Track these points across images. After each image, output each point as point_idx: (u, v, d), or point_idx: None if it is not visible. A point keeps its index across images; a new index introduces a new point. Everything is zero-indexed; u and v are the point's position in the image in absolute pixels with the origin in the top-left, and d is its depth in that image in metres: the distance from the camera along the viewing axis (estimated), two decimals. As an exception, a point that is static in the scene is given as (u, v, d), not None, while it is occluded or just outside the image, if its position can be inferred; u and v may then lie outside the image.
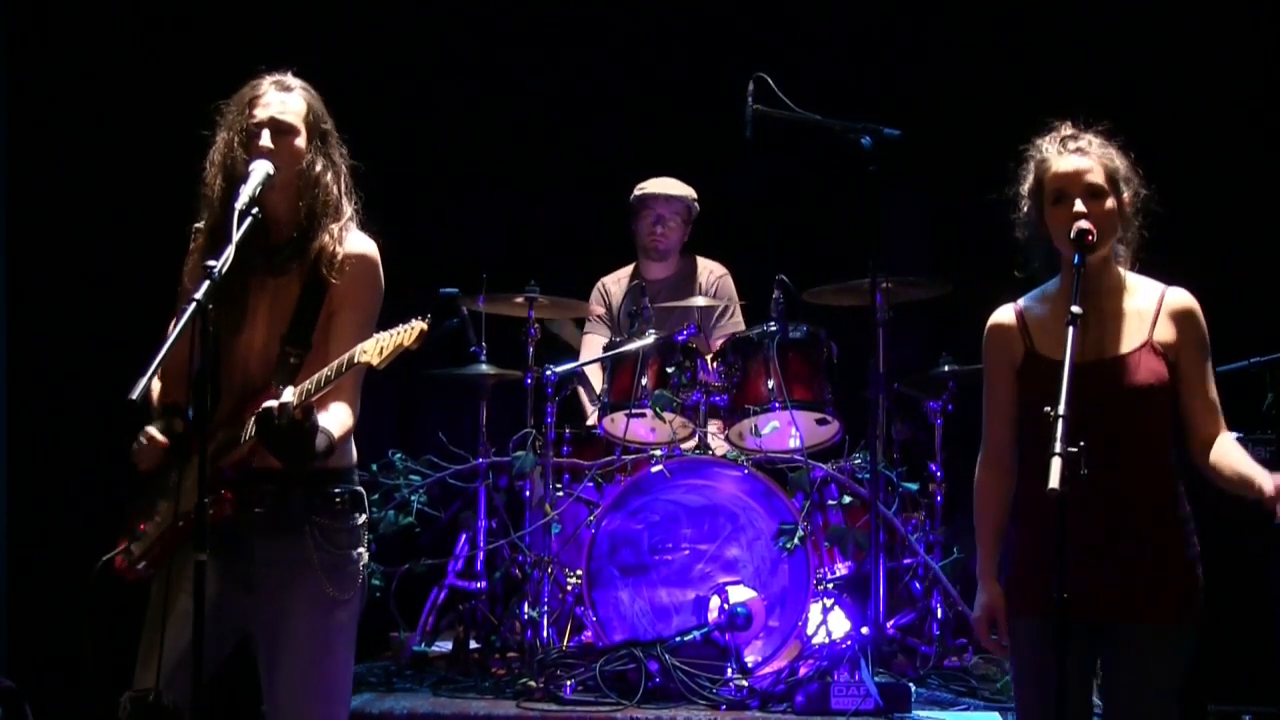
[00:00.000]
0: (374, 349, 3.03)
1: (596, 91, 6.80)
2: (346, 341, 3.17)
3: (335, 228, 3.29)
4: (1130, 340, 3.20)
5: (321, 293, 3.27)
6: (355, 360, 3.03)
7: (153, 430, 3.24)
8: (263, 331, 3.29)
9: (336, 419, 3.19)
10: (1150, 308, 3.23)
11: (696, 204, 6.14)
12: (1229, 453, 3.17)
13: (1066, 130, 3.26)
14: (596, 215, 6.33)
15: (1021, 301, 3.33)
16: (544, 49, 6.80)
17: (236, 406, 3.24)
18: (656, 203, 6.11)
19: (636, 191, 6.14)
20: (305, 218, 3.28)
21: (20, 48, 6.18)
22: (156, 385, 3.28)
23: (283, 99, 3.30)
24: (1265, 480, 3.05)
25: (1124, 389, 3.15)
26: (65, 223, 6.21)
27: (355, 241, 3.32)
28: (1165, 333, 3.20)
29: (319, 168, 3.30)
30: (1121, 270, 3.28)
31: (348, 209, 3.35)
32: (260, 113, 3.27)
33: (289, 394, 3.04)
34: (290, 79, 3.34)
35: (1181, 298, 3.25)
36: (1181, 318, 3.22)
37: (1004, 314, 3.32)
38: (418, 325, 3.04)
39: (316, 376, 3.09)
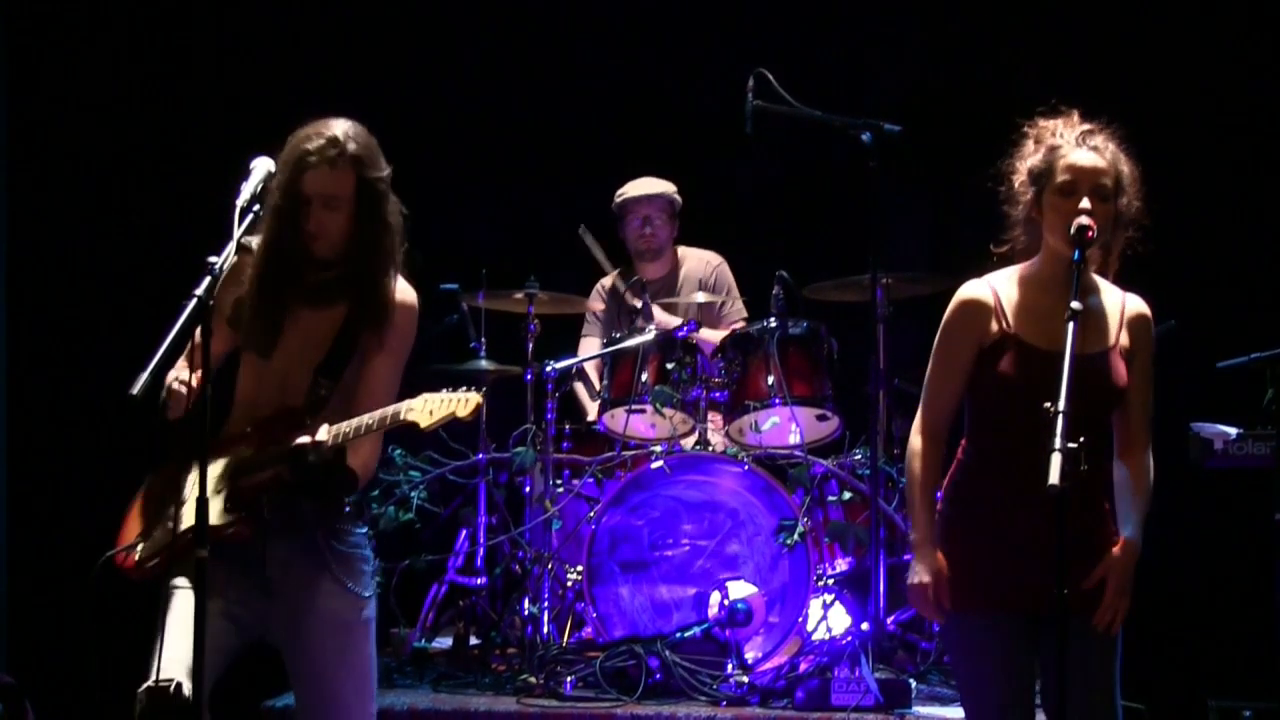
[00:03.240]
0: (423, 410, 3.14)
1: (597, 86, 6.80)
2: (381, 384, 3.33)
3: (387, 280, 3.37)
4: (1103, 340, 3.22)
5: (361, 333, 3.35)
6: (402, 418, 3.14)
7: (183, 376, 3.21)
8: (289, 358, 3.34)
9: (360, 458, 3.30)
10: (1115, 310, 3.26)
11: (678, 198, 6.15)
12: (1124, 494, 3.24)
13: (1078, 120, 3.25)
14: (597, 210, 6.32)
15: (994, 279, 3.31)
16: (545, 44, 6.80)
17: (254, 426, 3.30)
18: (639, 204, 6.12)
19: (617, 198, 6.15)
20: (355, 266, 3.34)
21: (20, 46, 6.19)
22: (181, 374, 3.27)
23: (333, 178, 3.27)
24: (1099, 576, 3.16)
25: (1095, 386, 3.15)
26: (65, 221, 6.22)
27: (402, 292, 3.41)
28: (1125, 337, 3.24)
29: (369, 231, 3.34)
30: (1091, 271, 3.27)
31: (397, 258, 3.41)
32: (308, 189, 3.26)
33: (323, 432, 3.14)
34: (344, 146, 3.28)
35: (1140, 305, 3.29)
36: (1138, 326, 3.26)
37: (979, 290, 3.29)
38: (474, 398, 3.15)
39: (356, 423, 3.18)
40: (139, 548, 3.29)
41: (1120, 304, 3.27)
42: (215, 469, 3.29)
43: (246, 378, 3.38)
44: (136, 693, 3.13)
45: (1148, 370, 3.27)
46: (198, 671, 2.97)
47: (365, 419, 3.19)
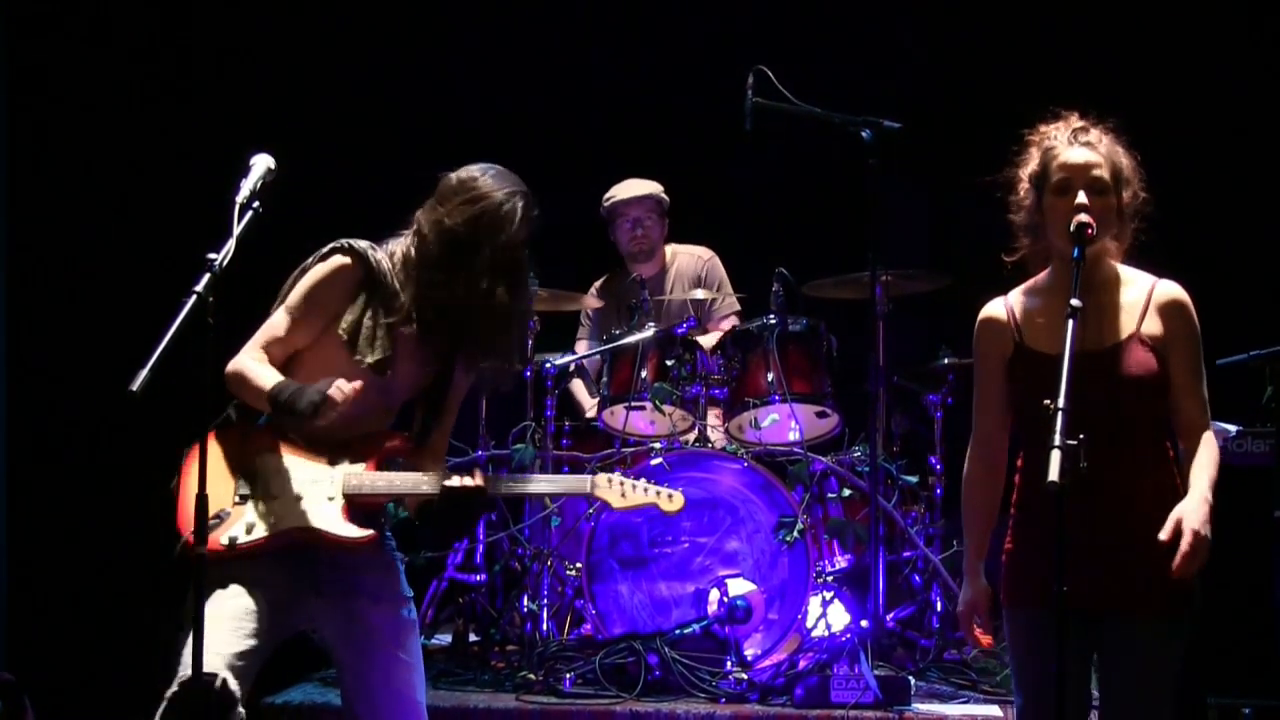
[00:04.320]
0: (612, 490, 3.48)
1: (597, 83, 6.80)
2: (460, 401, 3.59)
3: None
4: (1119, 333, 3.19)
5: (458, 362, 3.53)
6: (588, 491, 3.50)
7: (343, 383, 3.30)
8: (395, 379, 3.46)
9: None
10: (1140, 300, 3.22)
11: (665, 196, 6.15)
12: (1190, 468, 3.13)
13: (1077, 122, 3.25)
14: (596, 207, 6.32)
15: (1012, 295, 3.32)
16: (544, 42, 6.80)
17: (358, 440, 3.44)
18: (627, 207, 6.13)
19: (605, 202, 6.16)
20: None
21: (21, 45, 6.19)
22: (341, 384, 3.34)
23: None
24: (1171, 526, 3.01)
25: (1113, 381, 3.13)
26: (66, 220, 6.22)
27: None
28: (1153, 325, 3.19)
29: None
30: (1114, 264, 3.26)
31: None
32: (507, 254, 3.47)
33: (480, 478, 3.39)
34: (535, 210, 3.53)
35: (1170, 290, 3.23)
36: (1170, 310, 3.20)
37: (994, 308, 3.32)
38: (679, 498, 3.51)
39: (527, 481, 3.78)
40: (234, 536, 3.30)
41: (1147, 292, 3.22)
42: (308, 466, 3.39)
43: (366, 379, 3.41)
44: (177, 682, 3.16)
45: (1191, 356, 3.19)
46: (198, 661, 2.99)
47: (540, 483, 3.71)
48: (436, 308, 3.40)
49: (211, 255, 3.02)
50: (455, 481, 3.35)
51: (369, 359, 3.39)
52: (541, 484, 3.85)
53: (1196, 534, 2.97)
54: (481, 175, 3.49)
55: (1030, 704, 3.23)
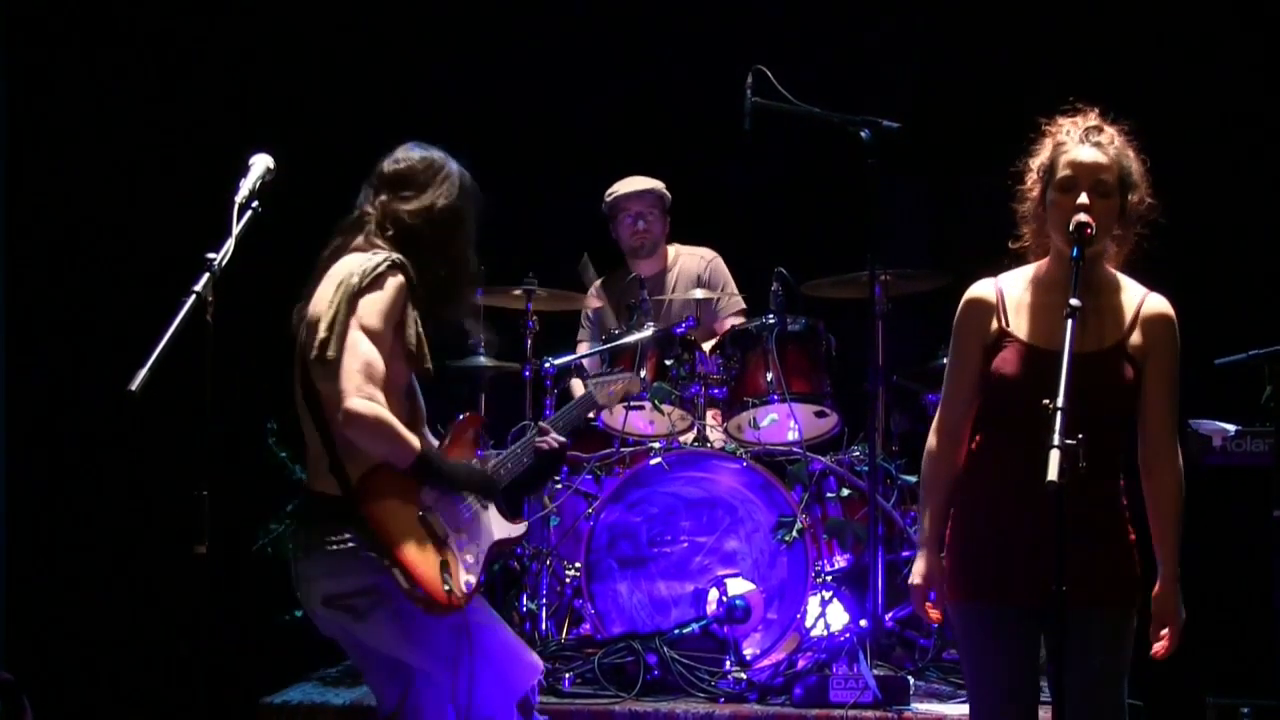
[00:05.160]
0: (604, 393, 4.21)
1: (597, 82, 6.79)
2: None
3: None
4: (1105, 339, 3.20)
5: None
6: (596, 400, 4.42)
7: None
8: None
9: None
10: (1130, 310, 3.22)
11: (668, 193, 6.15)
12: (1155, 518, 3.26)
13: (1092, 120, 3.25)
14: (595, 207, 6.33)
15: (1002, 278, 3.32)
16: (544, 42, 6.79)
17: (454, 436, 3.70)
18: (629, 202, 6.13)
19: (607, 198, 6.16)
20: None
21: (20, 42, 6.19)
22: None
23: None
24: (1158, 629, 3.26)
25: (1090, 385, 3.10)
26: (66, 220, 6.23)
27: None
28: (1138, 336, 3.21)
29: None
30: (1109, 268, 3.27)
31: None
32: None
33: (556, 432, 3.83)
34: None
35: (1159, 305, 3.24)
36: (1155, 323, 3.21)
37: (983, 288, 3.31)
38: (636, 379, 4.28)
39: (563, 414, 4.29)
40: (461, 585, 3.36)
41: (1137, 302, 3.23)
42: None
43: (407, 388, 3.46)
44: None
45: (1168, 373, 3.22)
46: (202, 663, 3.01)
47: (572, 410, 4.26)
48: (436, 286, 3.53)
49: (211, 255, 3.02)
50: (544, 444, 3.75)
51: (428, 363, 3.46)
52: (571, 412, 4.38)
53: (1179, 626, 3.26)
54: (437, 154, 3.67)
55: (989, 703, 3.25)
